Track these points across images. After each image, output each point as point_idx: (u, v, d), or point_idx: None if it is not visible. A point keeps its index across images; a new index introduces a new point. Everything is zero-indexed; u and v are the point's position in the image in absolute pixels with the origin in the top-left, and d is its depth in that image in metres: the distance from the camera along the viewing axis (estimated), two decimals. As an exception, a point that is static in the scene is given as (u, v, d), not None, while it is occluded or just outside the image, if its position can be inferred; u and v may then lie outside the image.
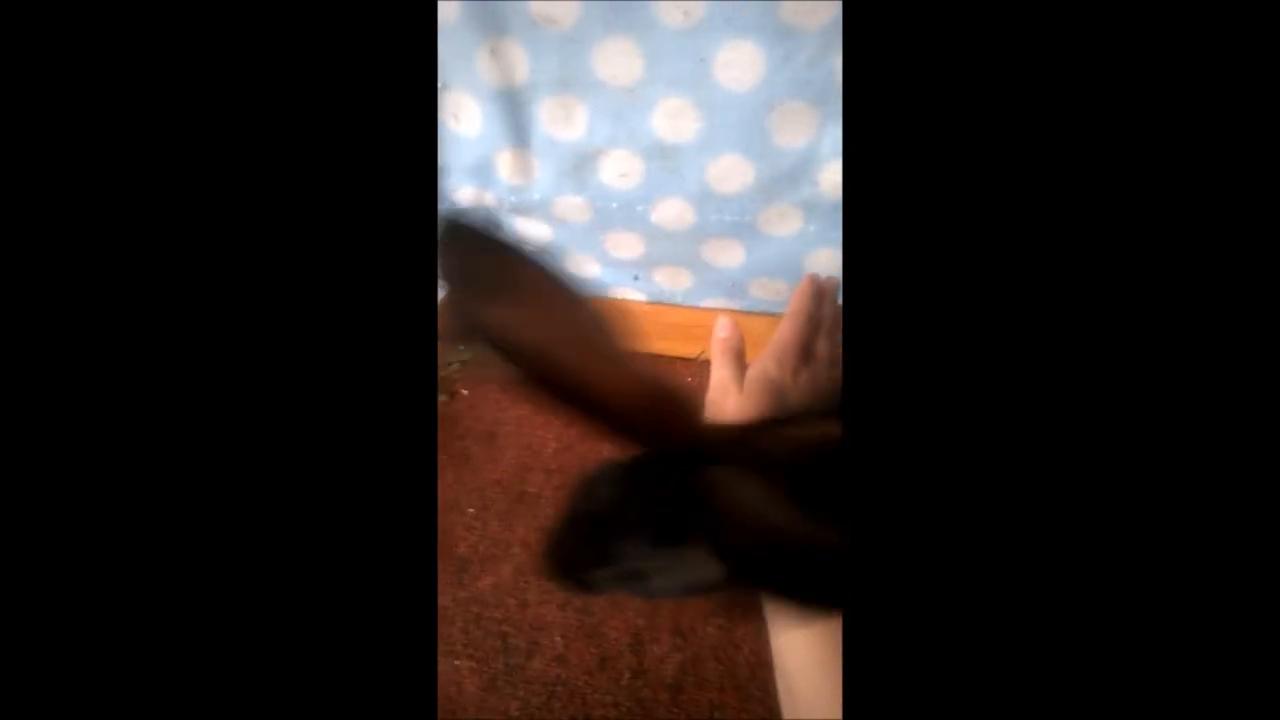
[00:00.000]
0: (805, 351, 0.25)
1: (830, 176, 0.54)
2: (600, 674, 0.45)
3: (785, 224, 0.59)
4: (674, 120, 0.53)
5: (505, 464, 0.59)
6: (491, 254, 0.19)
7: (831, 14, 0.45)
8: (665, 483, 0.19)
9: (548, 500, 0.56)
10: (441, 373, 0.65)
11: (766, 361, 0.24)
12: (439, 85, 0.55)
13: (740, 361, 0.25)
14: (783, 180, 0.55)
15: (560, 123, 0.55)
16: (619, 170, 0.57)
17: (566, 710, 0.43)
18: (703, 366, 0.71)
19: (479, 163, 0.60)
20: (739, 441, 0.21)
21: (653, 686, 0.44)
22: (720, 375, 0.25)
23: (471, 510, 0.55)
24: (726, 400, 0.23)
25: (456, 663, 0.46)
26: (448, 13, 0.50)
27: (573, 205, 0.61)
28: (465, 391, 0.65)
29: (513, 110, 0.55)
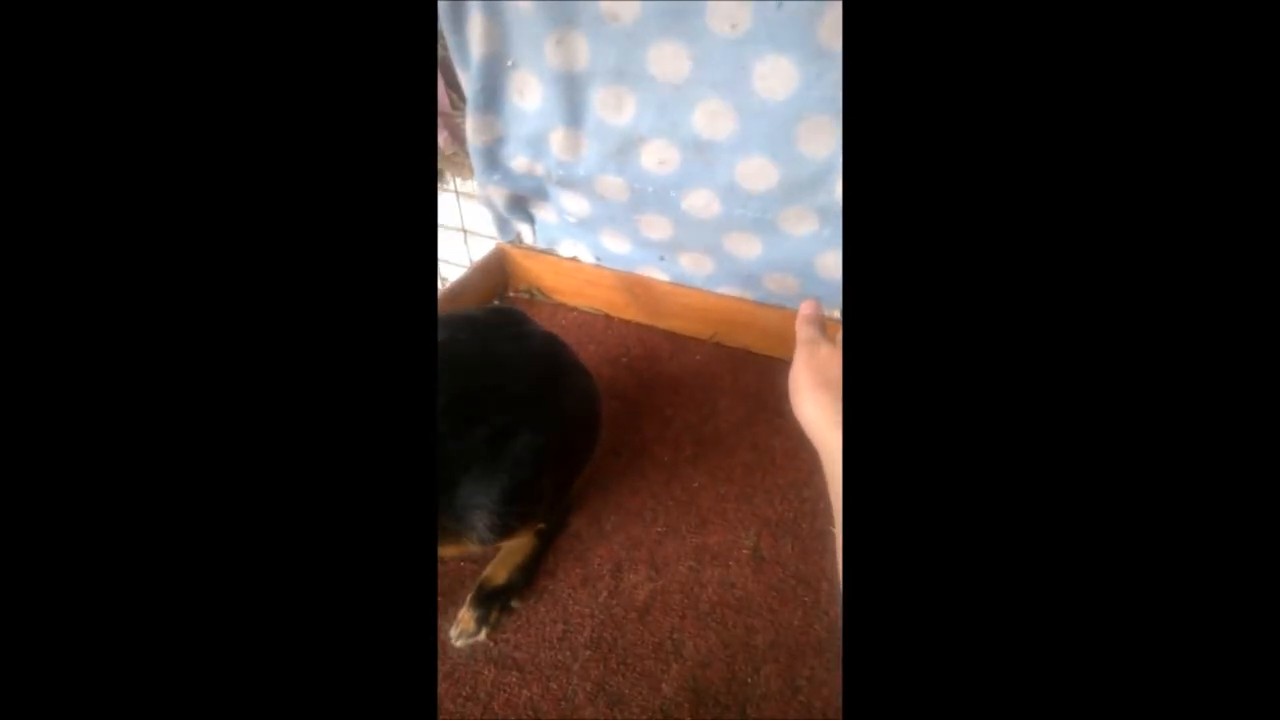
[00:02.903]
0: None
1: (847, 187, 0.60)
2: (582, 590, 0.53)
3: (801, 225, 0.64)
4: (712, 119, 0.59)
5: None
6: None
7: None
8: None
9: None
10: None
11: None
12: (508, 64, 0.62)
13: (823, 325, 0.39)
14: (803, 186, 0.60)
15: (611, 109, 0.61)
16: (658, 158, 0.63)
17: (549, 614, 0.51)
18: (712, 347, 0.77)
19: (535, 135, 0.66)
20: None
21: (624, 606, 0.51)
22: (809, 334, 0.38)
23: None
24: (818, 348, 0.37)
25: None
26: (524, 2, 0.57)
27: (613, 185, 0.67)
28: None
29: (571, 93, 0.62)
